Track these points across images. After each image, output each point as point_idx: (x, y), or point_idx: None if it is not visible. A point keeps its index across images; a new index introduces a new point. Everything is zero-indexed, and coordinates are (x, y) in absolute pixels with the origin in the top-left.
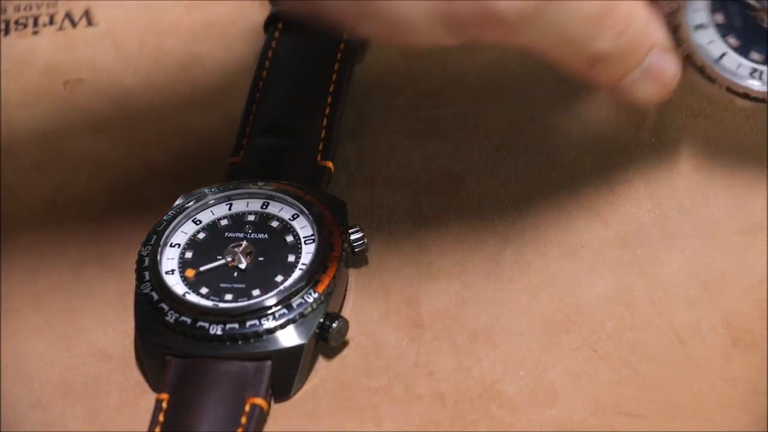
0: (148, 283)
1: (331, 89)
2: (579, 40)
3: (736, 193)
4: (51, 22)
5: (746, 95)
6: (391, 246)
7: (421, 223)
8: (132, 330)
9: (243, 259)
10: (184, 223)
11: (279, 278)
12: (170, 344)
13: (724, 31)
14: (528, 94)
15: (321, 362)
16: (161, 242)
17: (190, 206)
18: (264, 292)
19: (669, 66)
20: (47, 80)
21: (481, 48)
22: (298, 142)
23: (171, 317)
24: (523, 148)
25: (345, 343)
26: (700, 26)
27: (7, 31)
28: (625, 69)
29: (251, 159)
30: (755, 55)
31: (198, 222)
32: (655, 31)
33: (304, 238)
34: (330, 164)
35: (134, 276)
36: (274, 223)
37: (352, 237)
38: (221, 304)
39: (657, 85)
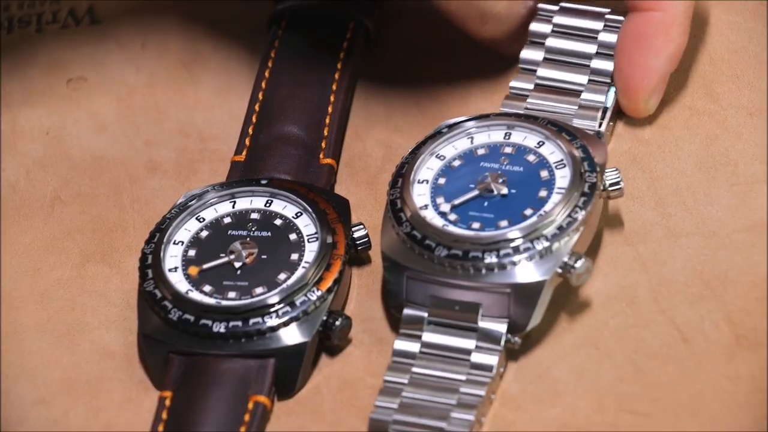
0: (152, 281)
1: (335, 87)
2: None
3: (739, 191)
4: (54, 19)
5: None
6: None
7: None
8: (135, 328)
9: (246, 257)
10: (188, 220)
11: (282, 276)
12: (173, 342)
13: None
14: None
15: (324, 360)
16: (164, 240)
17: (194, 204)
18: (267, 289)
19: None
20: (50, 78)
21: (484, 50)
22: (301, 140)
23: (174, 315)
24: None
25: (348, 341)
26: None
27: (10, 29)
28: (509, 29)
29: (255, 157)
30: None
31: (201, 220)
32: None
33: (307, 236)
34: (333, 162)
35: (137, 274)
36: (278, 221)
37: (356, 235)
38: (224, 302)
39: None
